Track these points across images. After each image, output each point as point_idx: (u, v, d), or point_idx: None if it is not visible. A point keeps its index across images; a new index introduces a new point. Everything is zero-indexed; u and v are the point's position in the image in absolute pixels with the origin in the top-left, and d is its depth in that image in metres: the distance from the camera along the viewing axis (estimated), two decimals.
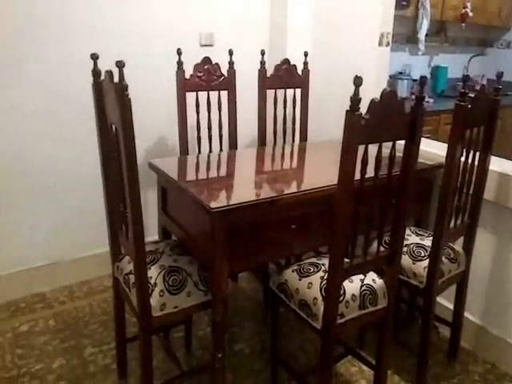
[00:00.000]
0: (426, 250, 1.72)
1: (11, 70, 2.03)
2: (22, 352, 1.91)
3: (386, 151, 1.34)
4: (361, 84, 1.18)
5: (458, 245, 1.81)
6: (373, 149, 1.27)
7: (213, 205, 1.39)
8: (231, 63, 2.18)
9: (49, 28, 2.06)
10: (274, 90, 2.29)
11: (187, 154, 2.12)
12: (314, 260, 1.61)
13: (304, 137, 2.44)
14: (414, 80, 3.72)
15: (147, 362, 1.51)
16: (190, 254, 1.61)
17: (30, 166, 2.17)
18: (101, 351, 1.93)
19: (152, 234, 1.90)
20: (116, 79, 1.26)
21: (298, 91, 2.38)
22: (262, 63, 2.25)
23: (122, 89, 1.22)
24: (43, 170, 2.20)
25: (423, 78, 1.37)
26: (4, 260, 2.19)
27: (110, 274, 1.71)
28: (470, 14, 3.88)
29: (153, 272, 1.49)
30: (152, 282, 1.46)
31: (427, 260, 1.66)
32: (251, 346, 2.00)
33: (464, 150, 1.57)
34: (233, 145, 2.26)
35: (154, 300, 1.44)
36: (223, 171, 1.95)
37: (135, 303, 1.46)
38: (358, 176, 1.27)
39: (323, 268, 1.53)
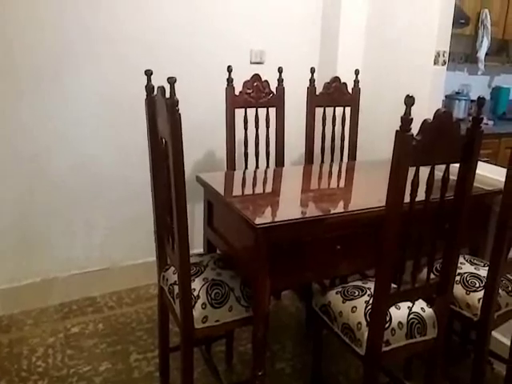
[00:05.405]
0: (481, 281, 1.62)
1: (65, 79, 2.14)
2: (71, 353, 2.00)
3: (440, 174, 1.29)
4: (412, 104, 1.15)
5: None
6: (426, 171, 1.23)
7: (257, 221, 1.40)
8: (280, 80, 2.21)
9: (102, 42, 2.17)
10: (322, 108, 2.29)
11: (234, 169, 2.16)
12: (359, 283, 1.57)
13: (353, 156, 2.40)
14: (472, 101, 3.57)
15: (188, 372, 1.54)
16: (234, 269, 1.62)
17: (86, 174, 2.29)
18: (145, 358, 1.98)
19: (197, 246, 1.94)
20: (167, 95, 1.32)
21: (348, 109, 2.36)
22: (312, 81, 2.26)
23: (172, 104, 1.28)
24: (99, 178, 2.32)
25: (481, 98, 1.32)
26: (62, 263, 2.32)
27: (157, 283, 1.76)
28: None
29: (196, 284, 1.52)
30: (195, 294, 1.48)
31: (482, 291, 1.56)
32: (292, 366, 1.96)
33: None
34: (280, 162, 2.27)
35: (197, 312, 1.46)
36: (269, 188, 1.96)
37: (178, 314, 1.50)
38: (408, 199, 1.23)
39: (368, 292, 1.48)
